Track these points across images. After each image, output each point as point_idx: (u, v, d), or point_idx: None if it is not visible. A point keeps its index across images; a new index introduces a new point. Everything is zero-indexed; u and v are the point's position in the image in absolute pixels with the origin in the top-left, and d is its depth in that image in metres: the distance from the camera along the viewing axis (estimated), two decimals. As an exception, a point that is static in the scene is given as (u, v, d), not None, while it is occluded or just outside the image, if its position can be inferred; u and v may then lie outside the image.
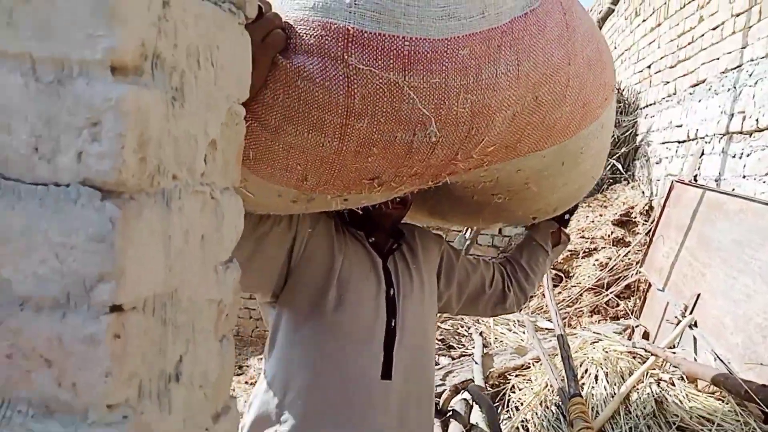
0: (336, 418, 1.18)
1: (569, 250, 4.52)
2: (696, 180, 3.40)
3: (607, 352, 2.37)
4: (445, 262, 1.46)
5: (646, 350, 2.36)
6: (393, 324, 1.24)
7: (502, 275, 1.55)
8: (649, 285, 3.62)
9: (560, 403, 2.01)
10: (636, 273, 4.05)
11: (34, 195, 0.46)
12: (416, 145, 0.91)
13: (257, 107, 0.84)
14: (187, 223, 0.57)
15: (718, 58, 3.26)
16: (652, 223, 4.05)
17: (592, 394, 2.07)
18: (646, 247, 3.89)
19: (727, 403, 1.80)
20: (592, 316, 4.15)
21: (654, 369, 2.22)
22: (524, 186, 1.22)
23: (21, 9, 0.44)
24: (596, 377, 2.17)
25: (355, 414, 1.19)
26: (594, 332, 2.85)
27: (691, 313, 2.63)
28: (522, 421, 2.03)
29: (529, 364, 2.51)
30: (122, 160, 0.45)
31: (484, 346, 2.81)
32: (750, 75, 2.84)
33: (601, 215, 4.92)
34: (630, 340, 2.78)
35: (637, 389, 2.06)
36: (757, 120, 2.72)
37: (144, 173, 0.48)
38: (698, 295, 2.65)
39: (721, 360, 2.10)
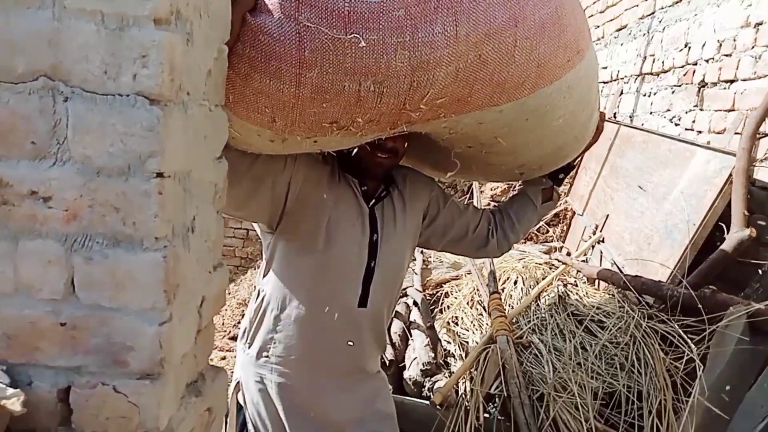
0: (319, 333, 1.42)
1: (507, 184, 4.92)
2: (615, 117, 3.79)
3: (527, 263, 2.78)
4: (432, 205, 1.59)
5: (558, 260, 2.78)
6: (372, 264, 1.43)
7: (489, 222, 1.66)
8: (573, 212, 4.07)
9: (482, 302, 2.40)
10: (564, 203, 4.51)
11: (105, 102, 0.73)
12: (363, 94, 1.03)
13: (232, 58, 0.98)
14: (196, 125, 0.84)
15: (637, 5, 3.58)
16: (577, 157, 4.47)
17: (511, 295, 2.48)
18: (571, 179, 4.31)
19: (613, 296, 2.22)
20: (525, 242, 4.61)
21: (564, 275, 2.64)
22: (494, 140, 1.29)
23: (96, -19, 0.69)
24: (515, 282, 2.58)
25: (334, 330, 1.43)
26: (521, 251, 3.26)
27: (600, 231, 3.07)
28: (452, 317, 2.42)
29: (461, 275, 2.90)
30: (162, 79, 0.72)
31: (424, 262, 3.18)
32: (660, 21, 3.18)
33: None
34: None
35: (547, 291, 2.47)
36: (663, 62, 3.09)
37: (173, 89, 0.75)
38: (607, 216, 3.09)
39: (617, 265, 2.54)
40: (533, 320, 2.24)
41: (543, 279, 2.59)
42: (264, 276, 1.50)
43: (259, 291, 1.51)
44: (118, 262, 0.77)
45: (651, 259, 2.28)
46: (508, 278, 2.65)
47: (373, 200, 1.46)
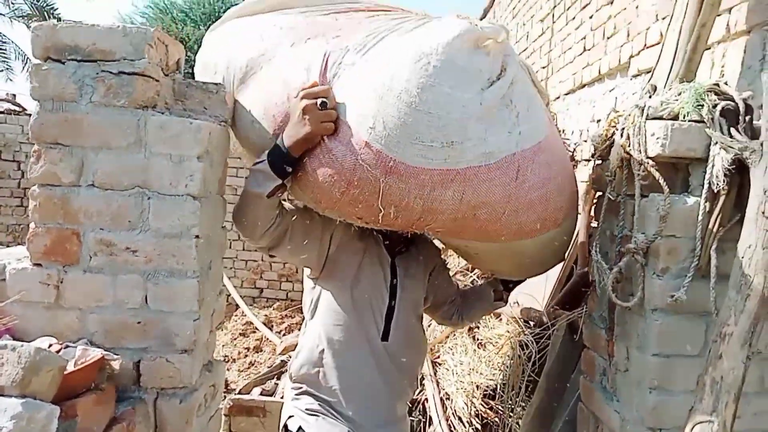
0: (353, 363, 1.71)
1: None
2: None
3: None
4: (436, 269, 1.95)
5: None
6: (393, 304, 1.75)
7: (454, 303, 2.04)
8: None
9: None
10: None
11: (170, 199, 1.38)
12: (385, 212, 1.40)
13: (307, 155, 1.43)
14: (213, 208, 1.50)
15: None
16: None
17: (434, 329, 3.13)
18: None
19: (509, 324, 2.91)
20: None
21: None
22: (475, 255, 1.72)
23: (169, 140, 1.37)
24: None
25: (363, 361, 1.72)
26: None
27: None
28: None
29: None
30: (200, 187, 1.39)
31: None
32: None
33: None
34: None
35: (463, 324, 3.14)
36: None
37: (205, 191, 1.41)
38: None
39: (516, 302, 3.24)
40: (449, 344, 2.90)
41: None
42: (311, 317, 1.81)
43: (306, 329, 1.82)
44: (173, 285, 1.39)
45: (537, 294, 3.00)
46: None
47: (395, 252, 1.81)
